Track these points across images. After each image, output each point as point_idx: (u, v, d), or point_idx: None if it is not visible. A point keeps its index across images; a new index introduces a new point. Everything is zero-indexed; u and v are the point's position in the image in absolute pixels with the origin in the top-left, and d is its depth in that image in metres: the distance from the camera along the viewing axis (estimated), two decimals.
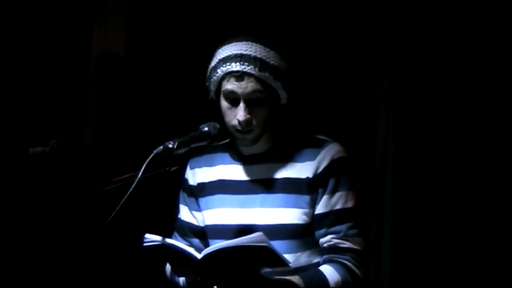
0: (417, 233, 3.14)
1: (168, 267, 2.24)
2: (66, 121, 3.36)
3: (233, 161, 2.22)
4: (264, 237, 1.84)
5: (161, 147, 1.99)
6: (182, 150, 2.03)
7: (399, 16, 3.19)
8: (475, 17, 3.09)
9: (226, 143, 2.24)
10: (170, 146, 1.99)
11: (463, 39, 3.10)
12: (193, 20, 3.46)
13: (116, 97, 3.48)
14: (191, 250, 1.93)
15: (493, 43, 3.08)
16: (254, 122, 2.08)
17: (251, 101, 2.07)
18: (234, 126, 2.10)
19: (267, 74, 2.06)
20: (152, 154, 1.97)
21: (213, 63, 2.12)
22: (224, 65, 2.07)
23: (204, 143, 2.11)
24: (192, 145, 2.07)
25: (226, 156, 2.24)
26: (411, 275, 3.14)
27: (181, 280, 2.21)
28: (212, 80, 2.12)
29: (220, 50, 2.12)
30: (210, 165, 2.25)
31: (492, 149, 3.08)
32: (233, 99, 2.08)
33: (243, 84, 2.05)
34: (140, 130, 3.40)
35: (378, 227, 3.18)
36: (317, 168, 2.10)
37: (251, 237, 1.85)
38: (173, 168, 2.06)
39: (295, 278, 1.99)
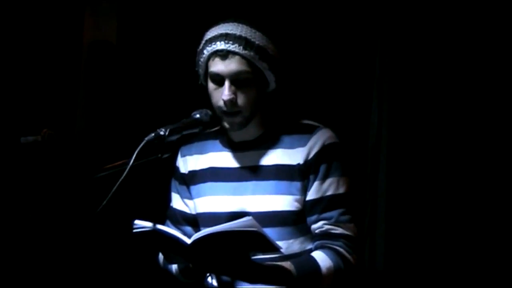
0: (411, 220, 3.15)
1: (161, 254, 2.24)
2: (58, 110, 3.35)
3: (224, 148, 2.21)
4: (254, 222, 1.84)
5: (153, 134, 1.98)
6: (174, 137, 2.03)
7: (392, 2, 3.18)
8: (469, 6, 3.08)
9: (217, 130, 2.23)
10: (162, 133, 1.99)
11: (457, 27, 3.10)
12: (185, 8, 3.44)
13: (108, 85, 3.47)
14: (181, 235, 1.92)
15: (487, 31, 3.07)
16: (240, 103, 2.07)
17: (237, 82, 2.06)
18: (220, 108, 2.09)
19: (252, 54, 2.06)
20: (144, 141, 1.97)
21: (200, 45, 2.13)
22: (209, 45, 2.07)
23: (196, 130, 2.10)
24: (184, 132, 2.06)
25: (217, 143, 2.23)
26: (405, 262, 3.14)
27: (174, 267, 2.21)
28: (200, 62, 2.12)
29: (207, 33, 2.12)
30: (201, 152, 2.25)
31: (485, 136, 3.08)
32: (219, 80, 2.07)
33: (227, 63, 2.05)
34: (132, 118, 3.39)
35: (372, 214, 3.18)
36: (308, 154, 2.09)
37: (241, 222, 1.84)
38: (165, 155, 2.05)
39: (286, 264, 1.99)
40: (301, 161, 2.09)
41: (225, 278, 2.14)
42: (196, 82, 2.19)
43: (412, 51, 3.17)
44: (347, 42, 3.25)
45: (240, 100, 2.07)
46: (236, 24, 2.09)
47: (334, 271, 2.03)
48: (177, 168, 2.29)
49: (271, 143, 2.14)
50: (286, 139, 2.14)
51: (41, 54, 3.32)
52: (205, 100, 2.15)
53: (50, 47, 3.35)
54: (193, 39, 2.22)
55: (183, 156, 2.28)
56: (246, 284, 2.05)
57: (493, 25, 3.06)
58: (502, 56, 3.04)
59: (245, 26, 2.08)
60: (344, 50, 3.26)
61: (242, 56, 2.05)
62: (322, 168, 2.09)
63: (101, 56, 3.48)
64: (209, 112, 2.11)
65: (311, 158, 2.09)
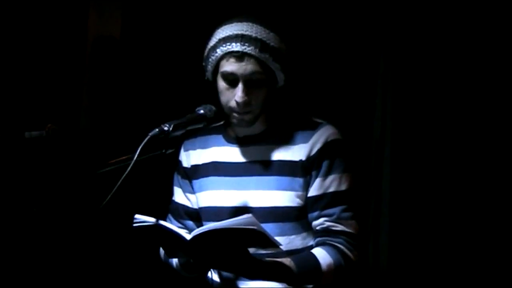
0: (415, 217, 3.15)
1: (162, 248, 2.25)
2: (62, 105, 3.35)
3: (227, 143, 2.22)
4: (254, 219, 1.84)
5: (157, 129, 1.99)
6: (178, 133, 2.03)
7: None
8: (474, 1, 3.08)
9: (220, 125, 2.23)
10: (166, 128, 1.99)
11: (461, 22, 3.09)
12: (189, 3, 3.44)
13: (112, 80, 3.47)
14: (180, 231, 1.93)
15: (493, 26, 3.07)
16: (252, 103, 2.08)
17: (250, 82, 2.06)
18: (231, 107, 2.09)
19: (267, 56, 2.06)
20: (148, 137, 1.97)
21: (212, 42, 2.11)
22: (224, 45, 2.06)
23: (200, 126, 2.10)
24: (188, 128, 2.07)
25: (220, 138, 2.23)
26: (409, 258, 3.14)
27: (174, 262, 2.22)
28: (210, 59, 2.11)
29: (219, 30, 2.11)
30: (204, 147, 2.25)
31: (489, 132, 3.08)
32: (232, 80, 2.07)
33: (243, 64, 2.05)
34: (137, 113, 3.40)
35: (375, 210, 3.18)
36: (311, 150, 2.10)
37: (240, 219, 1.84)
38: (169, 151, 2.06)
39: (286, 260, 1.99)
40: (303, 157, 2.10)
41: (226, 273, 2.15)
42: (200, 78, 2.19)
43: (417, 47, 3.17)
44: (352, 38, 3.25)
45: (252, 100, 2.08)
46: (250, 24, 2.08)
47: (335, 268, 2.04)
48: (180, 162, 2.30)
49: (274, 139, 2.15)
50: (289, 135, 2.14)
51: (45, 49, 3.33)
52: (209, 95, 2.16)
53: (54, 42, 3.36)
54: (198, 34, 2.22)
55: (186, 150, 2.29)
56: (247, 279, 2.06)
57: (498, 19, 3.05)
58: (506, 51, 3.04)
59: (259, 27, 2.08)
60: (348, 46, 3.26)
61: (257, 58, 2.05)
62: (325, 165, 2.09)
63: (105, 51, 3.48)
64: (213, 108, 2.12)
65: (314, 155, 2.09)
